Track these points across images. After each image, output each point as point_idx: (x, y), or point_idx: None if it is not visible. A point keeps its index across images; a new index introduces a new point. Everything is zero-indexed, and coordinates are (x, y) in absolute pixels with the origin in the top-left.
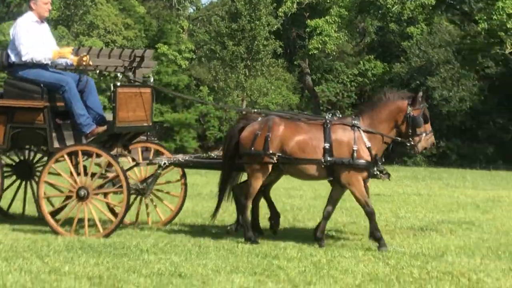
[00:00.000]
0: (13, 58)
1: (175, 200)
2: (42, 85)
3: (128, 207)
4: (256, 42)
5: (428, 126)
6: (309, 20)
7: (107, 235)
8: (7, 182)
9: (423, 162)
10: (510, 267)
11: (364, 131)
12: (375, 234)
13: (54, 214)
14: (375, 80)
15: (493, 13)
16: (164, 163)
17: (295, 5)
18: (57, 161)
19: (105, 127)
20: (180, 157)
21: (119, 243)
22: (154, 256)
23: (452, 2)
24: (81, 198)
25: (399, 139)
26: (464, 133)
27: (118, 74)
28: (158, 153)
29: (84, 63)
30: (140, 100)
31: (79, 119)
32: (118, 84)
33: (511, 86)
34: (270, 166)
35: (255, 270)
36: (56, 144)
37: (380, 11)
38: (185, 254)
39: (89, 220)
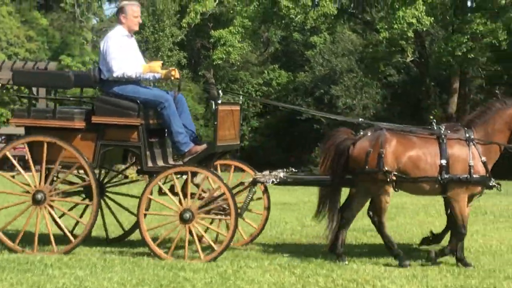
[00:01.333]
0: (105, 73)
1: (258, 217)
2: (139, 101)
3: (235, 232)
4: (160, 53)
5: None
6: (213, 31)
7: (210, 260)
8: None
9: None
10: (414, 274)
11: (479, 143)
12: (459, 254)
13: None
14: (280, 89)
15: (394, 22)
16: (272, 181)
17: (198, 16)
18: (164, 180)
19: (204, 146)
20: (282, 174)
21: (23, 258)
22: (58, 271)
23: (354, 11)
24: (185, 221)
25: None
26: None
27: (220, 91)
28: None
29: (172, 77)
30: (232, 118)
31: (177, 137)
32: (220, 101)
33: (413, 94)
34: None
35: (161, 283)
36: (150, 163)
37: (283, 21)
38: (90, 268)
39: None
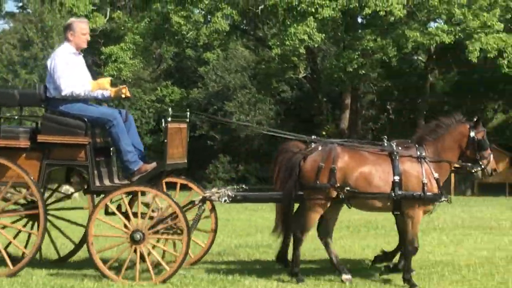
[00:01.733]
0: (52, 92)
1: (205, 236)
2: (86, 119)
3: (187, 252)
4: None
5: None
6: (104, 47)
7: (162, 282)
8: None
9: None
10: None
11: (431, 161)
12: (406, 275)
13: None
14: (173, 105)
15: (286, 38)
16: (225, 200)
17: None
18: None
19: (154, 165)
20: (229, 192)
21: None
22: None
23: (246, 28)
24: (135, 242)
25: (469, 164)
26: (262, 156)
27: (169, 109)
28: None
29: (122, 95)
30: (180, 136)
31: (126, 155)
32: (169, 119)
33: (306, 109)
34: (331, 200)
35: None
36: (97, 183)
37: (175, 37)
38: None
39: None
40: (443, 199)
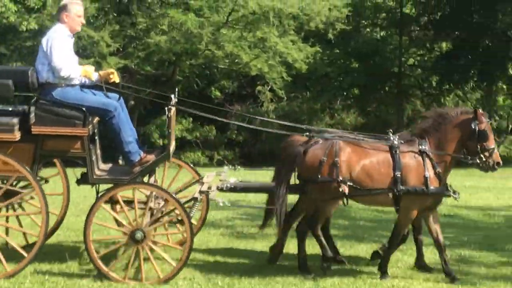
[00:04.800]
0: (44, 75)
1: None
2: (85, 110)
3: (191, 248)
4: None
5: (493, 141)
6: None
7: (167, 281)
8: None
9: None
10: None
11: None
12: (383, 268)
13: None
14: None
15: None
16: (227, 187)
17: None
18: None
19: (153, 155)
20: (228, 184)
21: None
22: None
23: None
24: (136, 242)
25: (469, 157)
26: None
27: (172, 96)
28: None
29: (110, 80)
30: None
31: (127, 147)
32: (173, 108)
33: None
34: (334, 194)
35: None
36: (96, 174)
37: None
38: None
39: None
40: (447, 193)
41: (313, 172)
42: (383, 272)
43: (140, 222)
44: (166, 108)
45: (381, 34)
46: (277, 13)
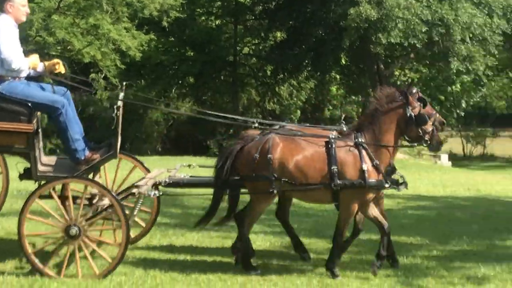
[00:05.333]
0: None
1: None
2: (31, 105)
3: (127, 244)
4: None
5: (430, 109)
6: None
7: (104, 276)
8: None
9: None
10: None
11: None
12: (330, 264)
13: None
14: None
15: None
16: (166, 182)
17: None
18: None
19: (99, 154)
20: (165, 179)
21: None
22: None
23: None
24: (72, 237)
25: (410, 144)
26: None
27: (121, 94)
28: None
29: (55, 71)
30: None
31: (74, 144)
32: (121, 104)
33: None
34: (270, 191)
35: None
36: (40, 170)
37: None
38: None
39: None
40: (387, 186)
41: (248, 170)
42: (332, 271)
43: (75, 217)
44: (115, 107)
45: (216, 22)
46: (110, 0)
